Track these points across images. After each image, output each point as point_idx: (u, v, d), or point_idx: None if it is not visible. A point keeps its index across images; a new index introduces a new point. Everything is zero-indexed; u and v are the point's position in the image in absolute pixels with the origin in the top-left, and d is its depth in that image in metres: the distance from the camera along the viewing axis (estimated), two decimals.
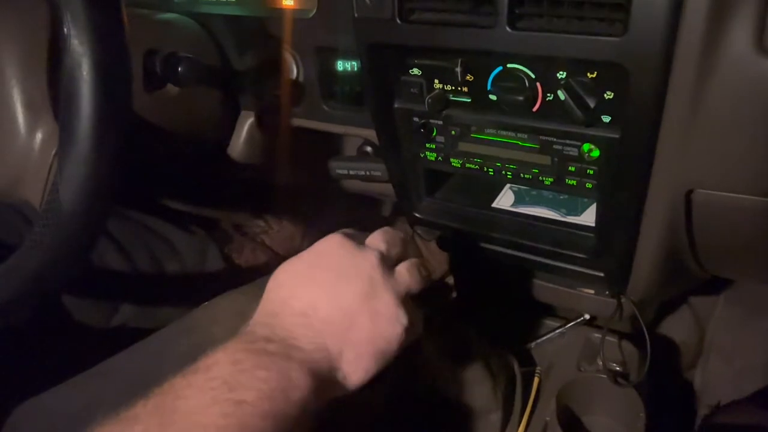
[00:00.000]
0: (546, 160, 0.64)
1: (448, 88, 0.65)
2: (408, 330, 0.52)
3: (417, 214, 0.81)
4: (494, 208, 0.77)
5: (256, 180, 1.06)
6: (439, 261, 0.79)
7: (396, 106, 0.70)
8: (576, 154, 0.62)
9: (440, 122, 0.68)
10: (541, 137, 0.63)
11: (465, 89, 0.65)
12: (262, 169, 0.94)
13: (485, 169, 0.70)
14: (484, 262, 0.81)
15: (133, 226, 0.98)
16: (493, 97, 0.63)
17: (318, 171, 0.88)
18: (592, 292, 0.84)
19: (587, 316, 0.93)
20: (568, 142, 0.62)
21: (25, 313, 0.60)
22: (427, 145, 0.72)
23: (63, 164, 0.52)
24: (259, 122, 0.89)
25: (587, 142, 0.60)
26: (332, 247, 0.54)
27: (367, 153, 0.86)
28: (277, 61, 0.81)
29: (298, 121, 0.86)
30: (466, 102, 0.66)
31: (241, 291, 0.70)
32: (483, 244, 0.79)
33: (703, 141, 0.54)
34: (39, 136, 0.65)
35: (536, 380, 0.90)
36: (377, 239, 0.57)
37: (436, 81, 0.66)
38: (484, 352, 0.85)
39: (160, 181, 1.08)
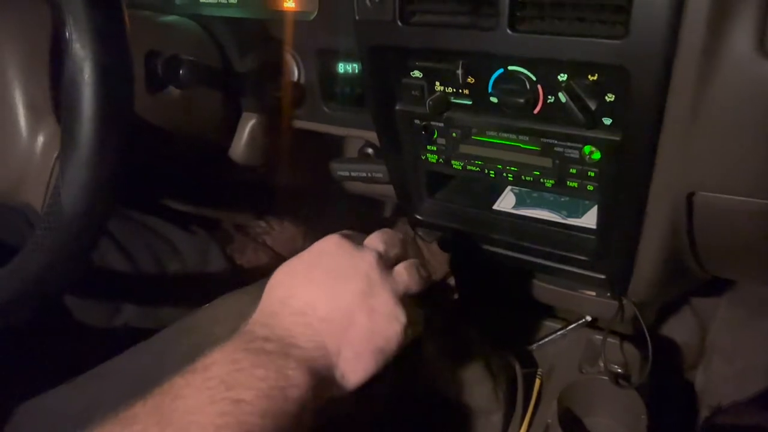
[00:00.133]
0: (547, 162, 0.64)
1: (449, 90, 0.66)
2: (407, 329, 0.52)
3: (418, 216, 0.81)
4: (495, 210, 0.77)
5: (257, 181, 1.06)
6: (440, 262, 0.79)
7: (397, 108, 0.70)
8: (577, 156, 0.62)
9: (441, 124, 0.68)
10: (542, 139, 0.63)
11: (466, 91, 0.65)
12: (263, 170, 0.94)
13: (486, 171, 0.70)
14: (485, 263, 0.81)
15: (135, 227, 0.98)
16: (494, 100, 0.63)
17: (319, 172, 0.88)
18: (594, 293, 0.84)
19: (589, 318, 0.93)
20: (569, 144, 0.62)
21: (26, 314, 0.60)
22: (428, 147, 0.72)
23: (65, 167, 0.52)
24: (261, 124, 0.89)
25: (588, 144, 0.60)
26: (330, 247, 0.55)
27: (368, 155, 0.86)
28: (279, 63, 0.81)
29: (299, 123, 0.86)
30: (467, 104, 0.66)
31: (242, 291, 0.70)
32: (484, 246, 0.79)
33: (704, 143, 0.54)
34: (41, 138, 0.66)
35: (537, 382, 0.90)
36: (376, 240, 0.57)
37: (437, 83, 0.66)
38: (485, 353, 0.85)
39: (162, 182, 1.08)
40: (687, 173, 0.57)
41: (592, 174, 0.62)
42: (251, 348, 0.47)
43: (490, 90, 0.62)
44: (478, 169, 0.70)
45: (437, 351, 0.81)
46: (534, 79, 0.59)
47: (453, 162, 0.71)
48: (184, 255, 1.00)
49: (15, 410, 0.64)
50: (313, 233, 1.21)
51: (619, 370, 0.84)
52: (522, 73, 0.59)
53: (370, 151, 0.86)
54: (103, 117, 0.50)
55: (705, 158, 0.55)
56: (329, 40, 0.76)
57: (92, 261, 0.86)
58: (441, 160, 0.72)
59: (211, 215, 1.17)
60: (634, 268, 0.69)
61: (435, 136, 0.70)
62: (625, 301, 0.77)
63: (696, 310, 1.05)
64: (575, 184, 0.64)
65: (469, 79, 0.63)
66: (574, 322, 0.96)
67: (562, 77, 0.58)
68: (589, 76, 0.56)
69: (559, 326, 0.98)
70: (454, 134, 0.69)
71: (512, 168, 0.68)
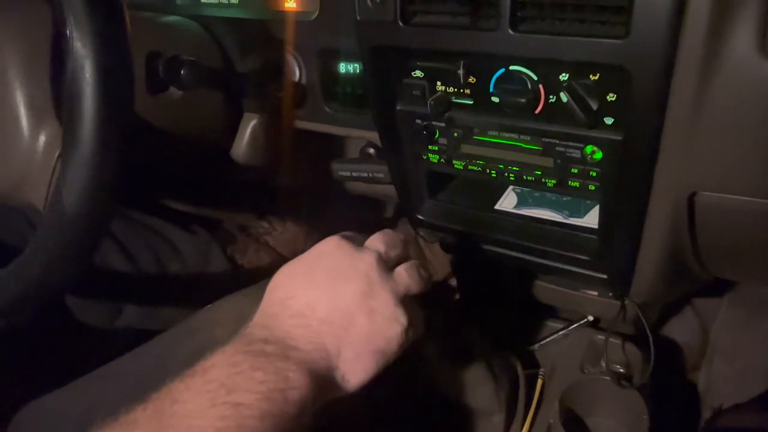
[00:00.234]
0: (549, 162, 0.64)
1: (451, 90, 0.66)
2: (408, 330, 0.52)
3: (420, 216, 0.81)
4: (497, 210, 0.77)
5: (258, 182, 1.06)
6: (441, 263, 0.79)
7: (398, 108, 0.70)
8: (579, 156, 0.62)
9: (442, 124, 0.68)
10: (543, 139, 0.63)
11: (467, 91, 0.65)
12: (265, 171, 0.94)
13: (488, 171, 0.70)
14: (487, 263, 0.81)
15: (136, 228, 0.98)
16: (495, 99, 0.63)
17: (321, 173, 0.88)
18: (596, 293, 0.84)
19: (591, 318, 0.93)
20: (570, 144, 0.62)
21: (28, 314, 0.61)
22: (430, 147, 0.72)
23: (66, 165, 0.52)
24: (262, 124, 0.89)
25: (590, 144, 0.60)
26: (330, 248, 0.54)
27: (369, 155, 0.86)
28: (280, 63, 0.81)
29: (300, 123, 0.86)
30: (469, 104, 0.66)
31: (243, 293, 0.70)
32: (486, 246, 0.79)
33: (705, 143, 0.54)
34: (42, 138, 0.66)
35: (539, 382, 0.90)
36: (376, 241, 0.57)
37: (439, 83, 0.66)
38: (487, 354, 0.85)
39: (164, 182, 1.09)
40: (688, 173, 0.57)
41: (594, 174, 0.62)
42: (251, 350, 0.47)
43: (491, 90, 0.62)
44: (479, 169, 0.70)
45: (438, 352, 0.81)
46: (535, 78, 0.59)
47: (454, 162, 0.71)
48: (185, 255, 1.00)
49: (18, 411, 0.64)
50: (315, 233, 1.21)
51: (621, 371, 0.84)
52: (523, 73, 0.59)
53: (371, 151, 0.85)
54: (104, 115, 0.50)
55: (706, 158, 0.55)
56: (330, 41, 0.76)
57: (94, 262, 0.86)
58: (442, 160, 0.72)
59: (213, 216, 1.17)
60: (636, 267, 0.69)
61: (436, 136, 0.70)
62: (627, 301, 0.77)
63: (698, 311, 1.05)
64: (577, 184, 0.64)
65: (470, 79, 0.63)
66: (576, 322, 0.95)
67: (564, 77, 0.57)
68: (591, 76, 0.56)
69: (561, 326, 0.98)
70: (455, 134, 0.69)
71: (514, 168, 0.68)
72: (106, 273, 0.90)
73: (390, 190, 0.82)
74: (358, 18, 0.64)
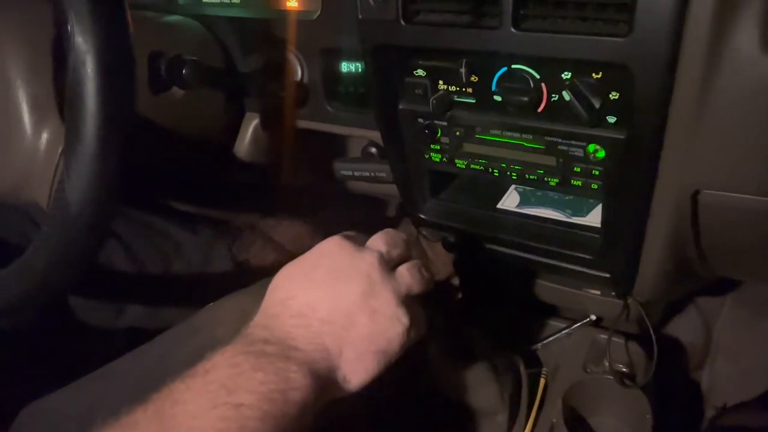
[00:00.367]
0: (551, 160, 0.64)
1: (453, 89, 0.65)
2: (409, 330, 0.52)
3: (422, 215, 0.81)
4: (499, 209, 0.77)
5: (260, 181, 1.06)
6: (444, 262, 0.79)
7: (400, 107, 0.70)
8: (581, 154, 0.62)
9: (445, 123, 0.68)
10: (546, 138, 0.63)
11: (469, 90, 0.64)
12: (267, 170, 0.95)
13: (490, 169, 0.70)
14: (490, 263, 0.81)
15: (139, 227, 0.98)
16: (497, 98, 0.63)
17: (323, 172, 0.88)
18: (599, 293, 0.83)
19: (593, 317, 0.93)
20: (573, 142, 0.61)
21: (32, 312, 0.60)
22: (432, 146, 0.72)
23: (69, 161, 0.52)
24: (264, 124, 0.90)
25: (592, 142, 0.60)
26: (332, 248, 0.54)
27: (371, 154, 0.86)
28: (282, 62, 0.81)
29: (302, 123, 0.86)
30: (471, 103, 0.65)
31: (245, 292, 0.70)
32: (488, 245, 0.78)
33: (709, 141, 0.54)
34: (45, 136, 0.66)
35: (542, 381, 0.90)
36: (378, 241, 0.57)
37: (441, 82, 0.66)
38: (490, 353, 0.85)
39: (166, 182, 1.09)
40: (692, 171, 0.56)
41: (597, 172, 0.62)
42: (251, 351, 0.47)
43: (493, 88, 0.62)
44: (481, 167, 0.70)
45: (441, 351, 0.81)
46: (538, 77, 0.59)
47: (456, 161, 0.71)
48: (188, 254, 1.00)
49: (20, 411, 0.64)
50: (317, 233, 1.21)
51: (625, 370, 0.84)
52: (525, 71, 0.59)
53: (373, 150, 0.85)
54: (107, 111, 0.50)
55: (710, 156, 0.55)
56: (332, 40, 0.76)
57: (96, 261, 0.86)
58: (444, 159, 0.72)
59: (215, 215, 1.17)
60: (639, 266, 0.69)
61: (438, 134, 0.70)
62: (630, 300, 0.77)
63: (701, 310, 1.05)
64: (579, 183, 0.64)
65: (472, 78, 0.63)
66: (579, 322, 0.95)
67: (566, 75, 0.57)
68: (593, 75, 0.56)
69: (564, 325, 0.98)
70: (457, 133, 0.68)
71: (516, 167, 0.67)
72: (108, 272, 0.90)
73: (392, 189, 0.82)
74: (360, 17, 0.64)
